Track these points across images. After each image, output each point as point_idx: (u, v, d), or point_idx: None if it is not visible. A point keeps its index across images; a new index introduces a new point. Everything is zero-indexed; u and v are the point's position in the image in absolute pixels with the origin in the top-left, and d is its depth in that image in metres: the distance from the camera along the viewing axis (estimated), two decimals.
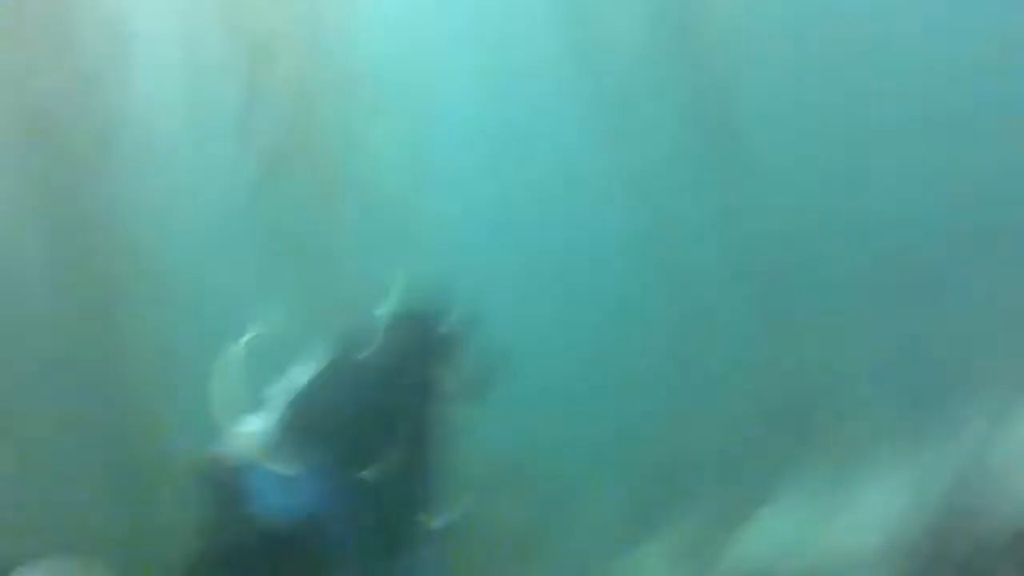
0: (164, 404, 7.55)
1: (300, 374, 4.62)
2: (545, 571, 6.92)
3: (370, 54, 8.21)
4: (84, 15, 7.95)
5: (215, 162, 8.01)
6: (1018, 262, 7.76)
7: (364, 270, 7.52)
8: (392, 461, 4.44)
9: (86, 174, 7.90)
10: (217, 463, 4.43)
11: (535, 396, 6.69)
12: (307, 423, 4.47)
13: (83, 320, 7.75)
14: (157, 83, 7.99)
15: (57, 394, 7.48)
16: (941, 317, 7.71)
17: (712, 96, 8.44)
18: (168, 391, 7.50)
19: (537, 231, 8.39)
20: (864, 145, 8.20)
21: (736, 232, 8.36)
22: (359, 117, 8.24)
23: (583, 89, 8.49)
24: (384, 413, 4.55)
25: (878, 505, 7.05)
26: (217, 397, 4.46)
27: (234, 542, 4.27)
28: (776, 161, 8.26)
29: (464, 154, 8.33)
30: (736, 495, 7.39)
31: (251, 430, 4.49)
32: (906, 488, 7.02)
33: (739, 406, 7.93)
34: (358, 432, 4.48)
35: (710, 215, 8.43)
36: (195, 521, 4.31)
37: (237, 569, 4.26)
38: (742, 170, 8.35)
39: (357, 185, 8.20)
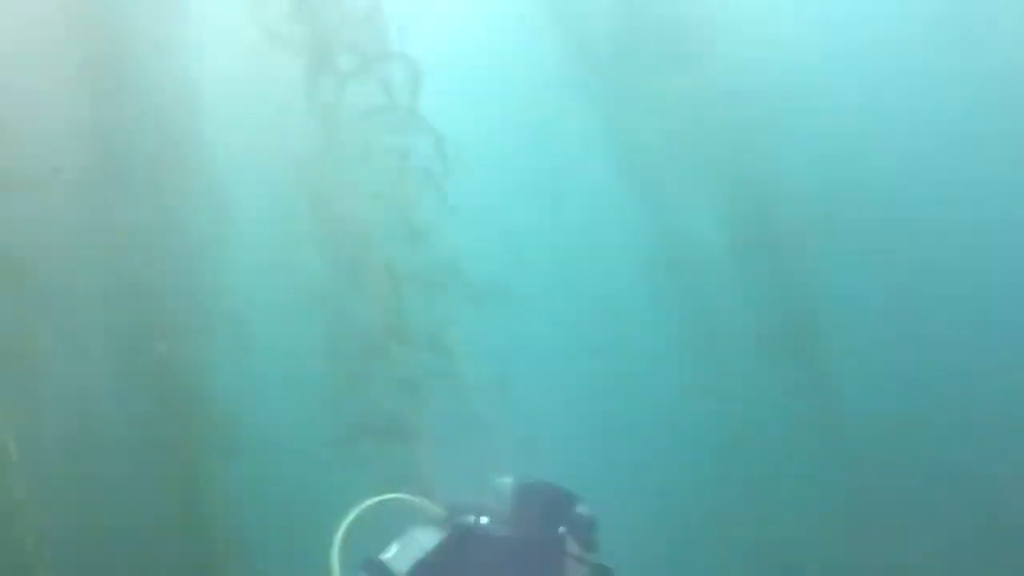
0: None
1: (422, 540, 4.30)
2: None
3: (459, 246, 8.25)
4: None
5: (306, 336, 8.00)
6: None
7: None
8: None
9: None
10: None
11: None
12: None
13: None
14: (255, 253, 8.09)
15: None
16: None
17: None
18: None
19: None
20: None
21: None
22: (448, 306, 8.17)
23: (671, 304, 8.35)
24: None
25: None
26: (336, 558, 4.16)
27: None
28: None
29: (548, 343, 8.23)
30: None
31: None
32: None
33: None
34: None
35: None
36: None
37: None
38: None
39: (443, 373, 8.00)
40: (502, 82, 8.42)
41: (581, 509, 4.50)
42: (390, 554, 4.29)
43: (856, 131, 8.14)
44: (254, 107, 8.16)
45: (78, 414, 7.56)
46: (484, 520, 4.41)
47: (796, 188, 8.22)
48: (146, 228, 7.78)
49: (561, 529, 4.41)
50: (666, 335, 8.36)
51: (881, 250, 8.12)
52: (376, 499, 4.45)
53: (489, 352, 8.10)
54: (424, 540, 4.35)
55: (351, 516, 4.39)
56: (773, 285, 8.33)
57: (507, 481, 4.53)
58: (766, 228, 8.33)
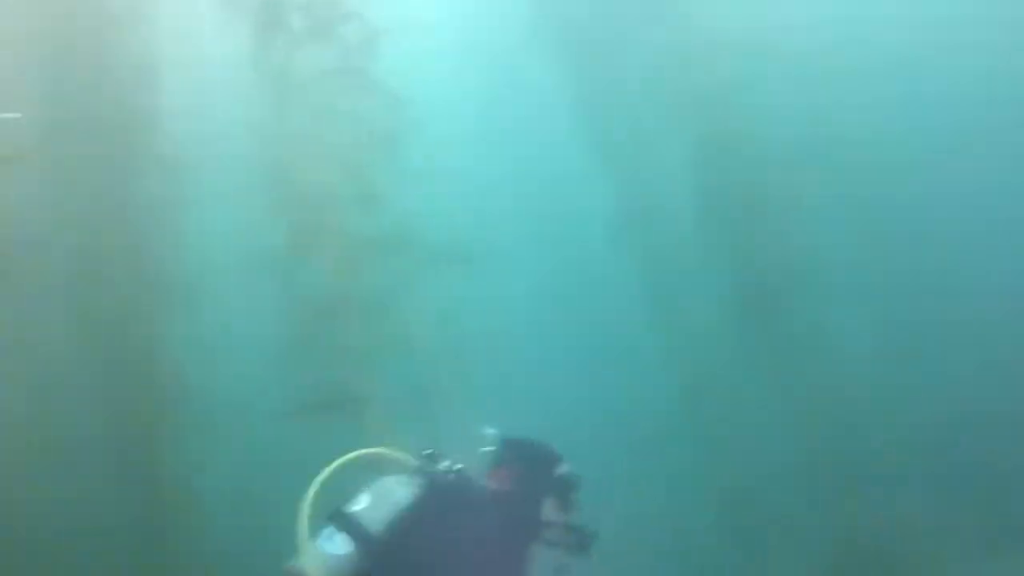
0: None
1: (393, 493, 4.20)
2: None
3: (417, 208, 8.11)
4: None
5: (261, 304, 7.87)
6: None
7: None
8: None
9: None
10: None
11: None
12: (399, 552, 4.02)
13: None
14: (210, 221, 7.90)
15: None
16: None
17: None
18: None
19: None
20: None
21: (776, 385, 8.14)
22: (405, 270, 8.04)
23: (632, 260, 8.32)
24: (481, 550, 4.09)
25: None
26: (304, 512, 4.07)
27: None
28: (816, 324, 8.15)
29: (513, 309, 8.14)
30: None
31: (334, 552, 4.04)
32: None
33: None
34: (452, 569, 4.03)
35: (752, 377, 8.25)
36: None
37: None
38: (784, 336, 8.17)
39: (401, 339, 7.89)
40: (465, 40, 8.30)
41: (563, 468, 4.44)
42: (361, 507, 4.19)
43: (828, 91, 8.12)
44: (207, 71, 8.02)
45: (32, 384, 7.45)
46: (458, 473, 4.33)
47: (764, 146, 8.21)
48: (100, 195, 7.69)
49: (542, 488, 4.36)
50: (631, 295, 8.31)
51: (849, 210, 8.13)
52: (351, 455, 4.35)
53: (447, 316, 8.00)
54: (397, 494, 4.24)
55: (325, 472, 4.29)
56: (739, 244, 8.33)
57: (490, 434, 4.45)
58: (734, 186, 8.33)
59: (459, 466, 4.26)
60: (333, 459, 4.29)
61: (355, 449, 4.34)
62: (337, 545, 3.99)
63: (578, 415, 7.70)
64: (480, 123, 8.29)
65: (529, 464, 4.34)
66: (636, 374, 8.05)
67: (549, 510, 4.29)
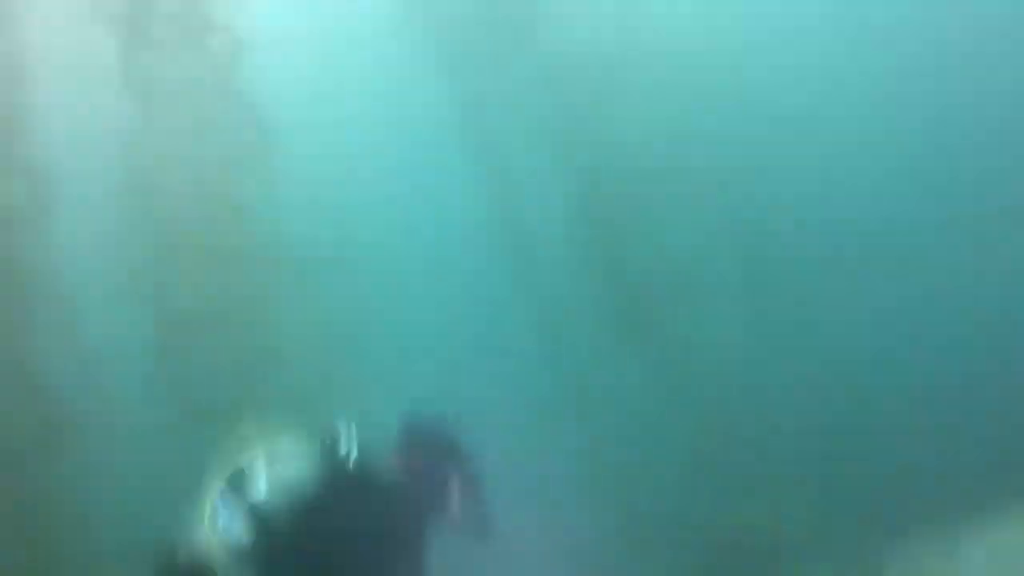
0: None
1: (293, 471, 4.15)
2: None
3: (292, 216, 8.12)
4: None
5: (128, 317, 7.80)
6: None
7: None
8: None
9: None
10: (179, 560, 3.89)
11: None
12: (292, 538, 3.94)
13: None
14: (72, 237, 7.85)
15: None
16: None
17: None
18: None
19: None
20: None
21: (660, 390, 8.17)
22: (277, 281, 8.05)
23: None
24: (381, 539, 4.07)
25: None
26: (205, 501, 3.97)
27: None
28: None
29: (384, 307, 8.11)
30: None
31: (233, 528, 3.92)
32: None
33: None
34: (348, 557, 3.96)
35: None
36: None
37: None
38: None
39: (271, 351, 7.86)
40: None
41: (467, 449, 4.46)
42: (260, 485, 3.99)
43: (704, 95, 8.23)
44: (74, 81, 7.91)
45: None
46: (360, 454, 4.29)
47: (641, 154, 8.33)
48: None
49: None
50: (503, 304, 8.33)
51: (726, 217, 8.25)
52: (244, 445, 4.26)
53: (317, 320, 7.98)
54: (297, 472, 4.15)
55: (223, 466, 4.19)
56: (613, 256, 8.41)
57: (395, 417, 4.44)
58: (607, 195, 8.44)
59: (356, 447, 4.25)
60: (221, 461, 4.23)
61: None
62: (236, 521, 3.90)
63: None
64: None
65: (435, 444, 4.44)
66: (511, 383, 8.09)
67: (455, 491, 4.37)
